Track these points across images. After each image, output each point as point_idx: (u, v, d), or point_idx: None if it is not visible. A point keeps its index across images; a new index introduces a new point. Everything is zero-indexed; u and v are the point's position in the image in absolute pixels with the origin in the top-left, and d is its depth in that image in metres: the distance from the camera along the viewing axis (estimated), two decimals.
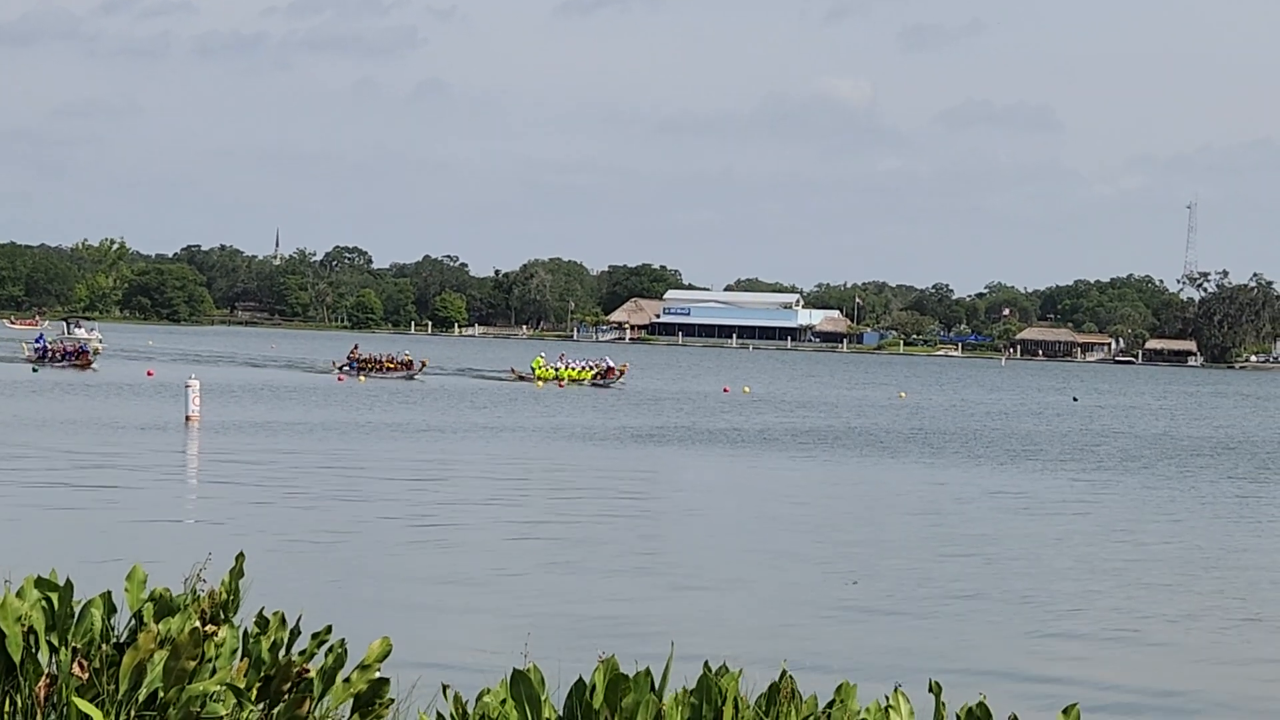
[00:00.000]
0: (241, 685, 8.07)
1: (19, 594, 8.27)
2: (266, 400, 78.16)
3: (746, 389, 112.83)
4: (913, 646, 22.17)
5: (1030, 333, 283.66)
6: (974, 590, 27.59)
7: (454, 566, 28.16)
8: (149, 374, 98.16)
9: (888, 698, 7.56)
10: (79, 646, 8.15)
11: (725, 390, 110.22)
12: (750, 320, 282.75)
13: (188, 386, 62.12)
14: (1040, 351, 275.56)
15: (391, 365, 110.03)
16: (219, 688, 8.01)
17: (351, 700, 8.41)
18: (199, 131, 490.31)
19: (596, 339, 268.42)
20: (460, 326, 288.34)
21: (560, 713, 7.55)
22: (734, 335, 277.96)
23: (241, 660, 8.27)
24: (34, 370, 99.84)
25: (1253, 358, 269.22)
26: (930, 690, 7.48)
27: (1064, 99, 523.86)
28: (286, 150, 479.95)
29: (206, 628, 8.14)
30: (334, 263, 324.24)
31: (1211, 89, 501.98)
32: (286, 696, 8.21)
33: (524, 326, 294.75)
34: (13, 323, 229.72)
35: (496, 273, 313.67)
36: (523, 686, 7.53)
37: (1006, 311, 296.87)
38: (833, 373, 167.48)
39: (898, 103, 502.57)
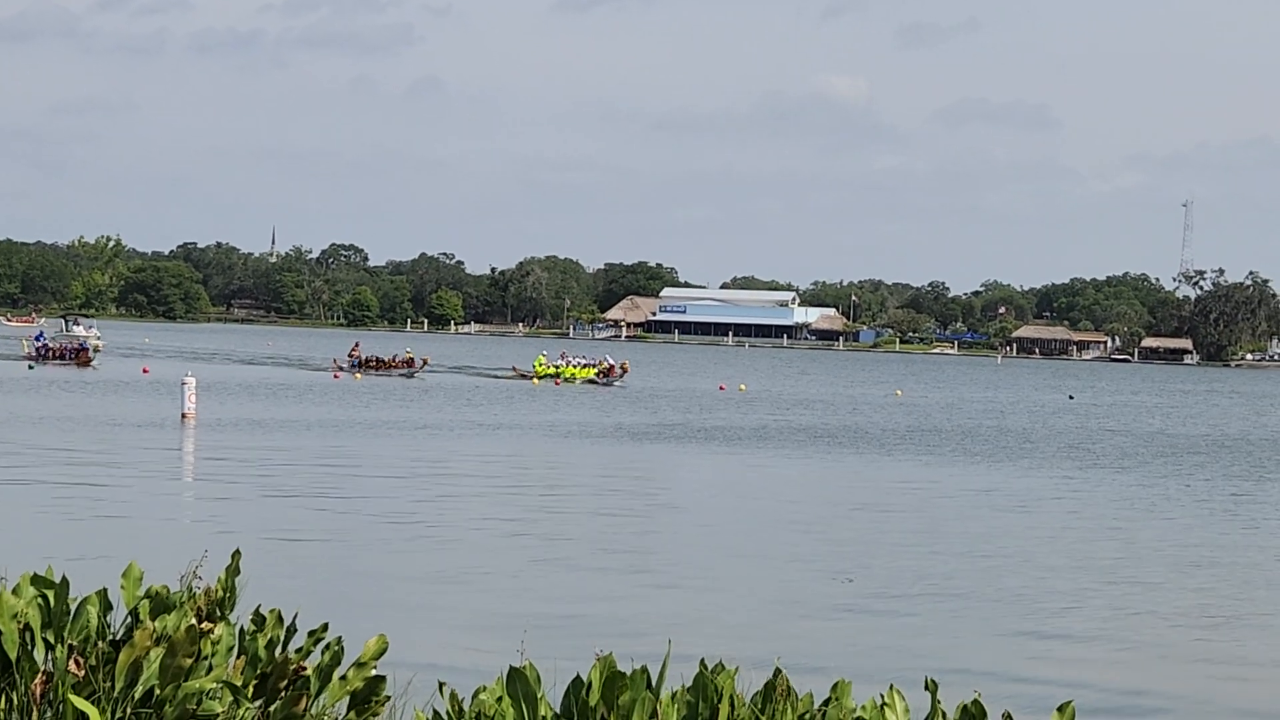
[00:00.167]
0: (238, 683, 8.08)
1: (15, 591, 8.27)
2: (262, 398, 78.14)
3: (742, 387, 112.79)
4: (907, 644, 22.19)
5: (1026, 331, 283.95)
6: (968, 588, 27.63)
7: (450, 564, 28.17)
8: (145, 371, 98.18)
9: (883, 695, 7.57)
10: (75, 644, 8.15)
11: (721, 388, 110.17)
12: (746, 318, 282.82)
13: (184, 384, 62.06)
14: (1036, 349, 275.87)
15: (394, 364, 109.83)
16: (215, 685, 8.02)
17: (348, 698, 8.42)
18: (195, 129, 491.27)
19: (592, 337, 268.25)
20: (456, 324, 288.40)
21: (557, 710, 7.56)
22: (730, 333, 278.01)
23: (238, 658, 8.27)
24: (30, 368, 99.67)
25: (1248, 356, 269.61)
26: (926, 688, 7.49)
27: (1060, 97, 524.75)
28: (283, 148, 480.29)
29: (203, 625, 8.14)
30: (330, 260, 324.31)
31: (1208, 87, 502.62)
32: (283, 694, 8.22)
33: (520, 324, 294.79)
34: (9, 320, 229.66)
35: (493, 270, 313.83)
36: (519, 684, 7.54)
37: (1003, 309, 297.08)
38: (828, 371, 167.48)
39: (894, 101, 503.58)
